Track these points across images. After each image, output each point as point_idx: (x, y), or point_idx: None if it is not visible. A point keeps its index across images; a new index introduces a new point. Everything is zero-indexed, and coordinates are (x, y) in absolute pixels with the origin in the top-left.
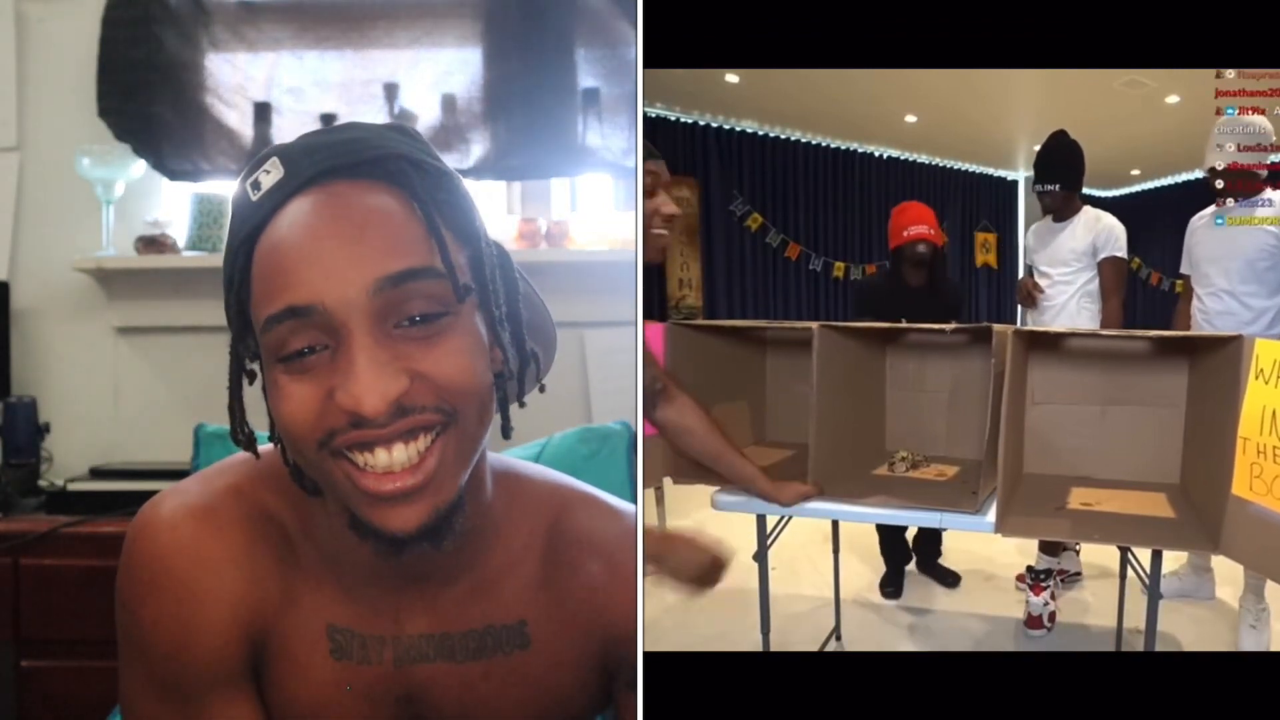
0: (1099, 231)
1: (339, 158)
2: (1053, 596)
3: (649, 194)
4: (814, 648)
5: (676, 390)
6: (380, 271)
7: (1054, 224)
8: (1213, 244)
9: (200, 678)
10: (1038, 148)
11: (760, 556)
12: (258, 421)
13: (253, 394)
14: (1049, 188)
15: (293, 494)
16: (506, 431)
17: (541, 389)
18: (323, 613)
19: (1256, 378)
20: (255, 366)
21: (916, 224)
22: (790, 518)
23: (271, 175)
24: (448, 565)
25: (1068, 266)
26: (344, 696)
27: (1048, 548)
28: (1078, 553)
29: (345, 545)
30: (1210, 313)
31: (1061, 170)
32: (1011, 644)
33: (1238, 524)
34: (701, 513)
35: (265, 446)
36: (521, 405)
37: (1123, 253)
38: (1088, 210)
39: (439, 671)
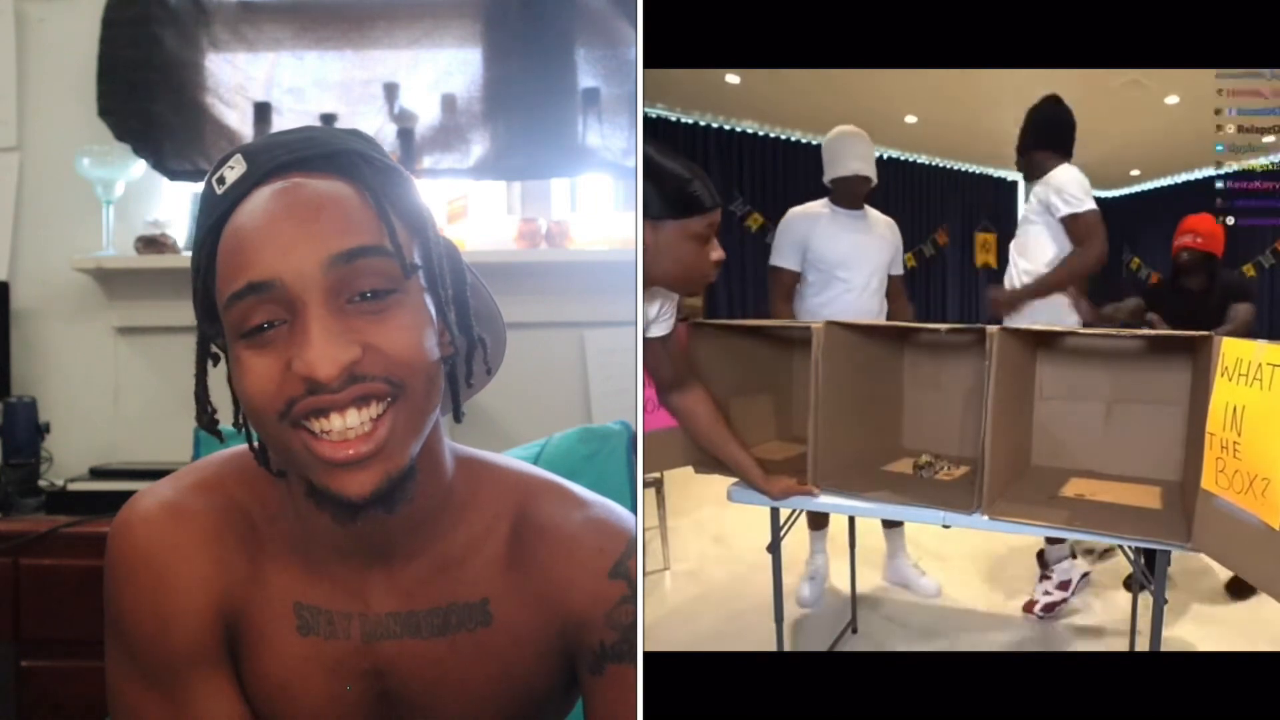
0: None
1: (296, 152)
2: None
3: (704, 241)
4: (829, 640)
5: (692, 381)
6: (333, 249)
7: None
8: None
9: (178, 659)
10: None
11: (774, 548)
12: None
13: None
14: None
15: (258, 484)
16: (458, 416)
17: (489, 372)
18: (289, 592)
19: (1223, 375)
20: (219, 351)
21: (1183, 234)
22: (802, 512)
23: (235, 170)
24: (410, 542)
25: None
26: (312, 670)
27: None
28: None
29: (309, 527)
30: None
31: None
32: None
33: (1206, 518)
34: (702, 511)
35: (239, 448)
36: (469, 386)
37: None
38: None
39: (406, 647)
